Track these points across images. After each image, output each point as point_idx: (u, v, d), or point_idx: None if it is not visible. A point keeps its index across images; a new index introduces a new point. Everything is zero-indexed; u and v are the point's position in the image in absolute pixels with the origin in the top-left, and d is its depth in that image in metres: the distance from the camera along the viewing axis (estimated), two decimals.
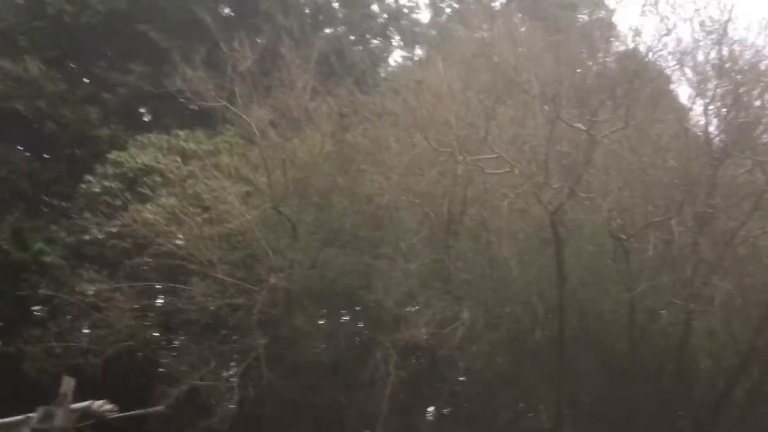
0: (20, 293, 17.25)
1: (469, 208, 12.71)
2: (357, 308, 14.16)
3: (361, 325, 14.42)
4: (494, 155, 11.48)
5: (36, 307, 17.72)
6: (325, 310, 14.23)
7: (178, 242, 13.13)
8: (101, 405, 16.05)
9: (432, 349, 13.18)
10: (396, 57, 23.04)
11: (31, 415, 15.41)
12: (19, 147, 20.56)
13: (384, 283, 12.64)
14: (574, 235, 12.22)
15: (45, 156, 21.62)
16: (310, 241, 13.73)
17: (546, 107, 11.71)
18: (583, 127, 11.35)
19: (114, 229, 15.34)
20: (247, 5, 22.23)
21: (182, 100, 15.32)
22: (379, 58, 22.74)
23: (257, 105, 13.42)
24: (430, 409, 15.59)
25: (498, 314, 12.46)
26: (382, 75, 15.29)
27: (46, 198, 19.92)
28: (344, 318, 14.61)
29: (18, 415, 15.89)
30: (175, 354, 14.81)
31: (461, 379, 14.65)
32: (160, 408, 14.33)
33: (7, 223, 18.39)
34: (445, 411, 15.53)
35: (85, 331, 14.71)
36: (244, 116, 13.26)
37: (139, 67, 20.59)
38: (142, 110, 21.53)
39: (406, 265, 12.24)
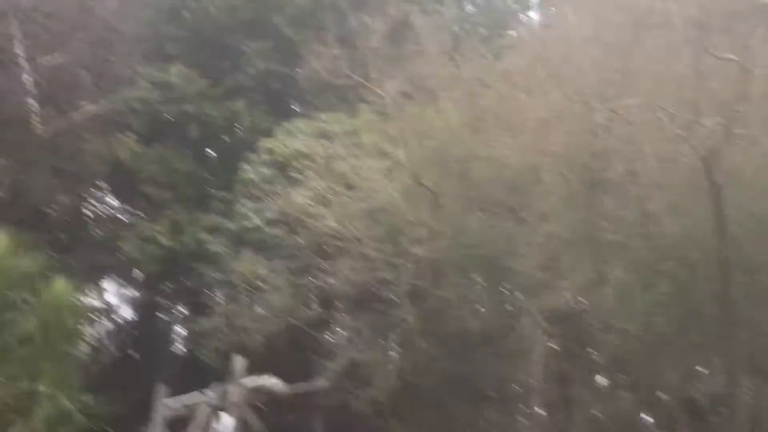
0: (189, 281, 18.59)
1: (612, 161, 11.98)
2: (502, 275, 13.87)
3: (506, 292, 14.12)
4: (636, 99, 10.68)
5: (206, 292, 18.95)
6: (470, 279, 14.04)
7: (327, 222, 13.52)
8: (269, 381, 17.04)
9: (582, 314, 12.68)
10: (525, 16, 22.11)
11: (207, 392, 16.63)
12: (174, 147, 21.80)
13: (527, 248, 12.27)
14: (733, 179, 11.11)
15: (205, 151, 23.02)
16: (452, 210, 13.61)
17: (691, 39, 10.56)
18: (735, 58, 10.25)
19: (269, 215, 16.05)
20: None
21: (319, 81, 15.54)
22: (506, 19, 21.98)
23: (391, 78, 13.40)
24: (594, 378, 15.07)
25: (652, 273, 11.69)
26: (513, 34, 14.75)
27: (209, 190, 21.08)
28: (489, 286, 14.36)
29: (197, 393, 17.21)
30: (331, 329, 15.35)
31: (617, 344, 13.96)
32: (323, 382, 14.93)
33: (168, 218, 19.73)
34: (604, 379, 14.95)
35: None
36: (380, 91, 13.30)
37: (274, 57, 21.28)
38: (283, 98, 22.12)
39: (549, 228, 11.78)
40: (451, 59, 14.11)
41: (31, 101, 17.26)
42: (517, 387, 13.83)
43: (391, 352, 13.49)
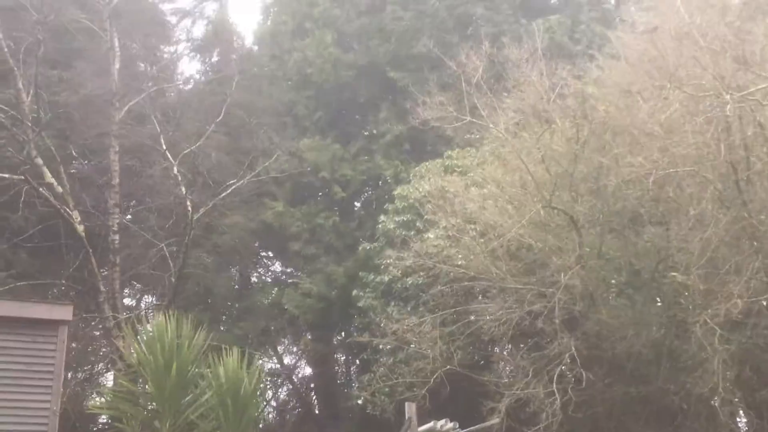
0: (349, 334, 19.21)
1: (755, 150, 11.13)
2: (662, 290, 13.18)
3: (667, 306, 13.35)
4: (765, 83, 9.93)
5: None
6: (628, 299, 13.43)
7: (460, 263, 13.50)
8: (444, 424, 17.01)
9: (760, 316, 11.75)
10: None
11: None
12: (317, 206, 22.80)
13: (683, 259, 11.60)
14: None
15: (347, 207, 23.90)
16: (592, 230, 13.17)
17: None
18: None
19: (407, 263, 16.27)
20: (461, 18, 22.60)
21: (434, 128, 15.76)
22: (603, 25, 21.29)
23: (499, 110, 13.34)
24: None
25: None
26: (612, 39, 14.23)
27: (354, 242, 21.79)
28: (651, 302, 13.66)
29: None
30: (492, 370, 15.19)
31: None
32: (494, 421, 14.72)
33: (320, 271, 20.59)
34: None
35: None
36: (491, 125, 13.25)
37: (389, 109, 21.98)
38: (410, 145, 22.59)
39: (702, 233, 11.09)
40: (556, 79, 13.81)
41: (181, 190, 18.76)
42: (696, 399, 12.92)
43: (557, 384, 13.03)
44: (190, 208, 18.34)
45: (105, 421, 19.59)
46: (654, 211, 12.56)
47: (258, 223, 21.93)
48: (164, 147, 18.68)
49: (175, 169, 18.57)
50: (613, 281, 13.25)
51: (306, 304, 20.31)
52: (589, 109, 12.55)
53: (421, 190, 17.26)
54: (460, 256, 13.50)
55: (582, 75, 13.91)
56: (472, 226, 13.99)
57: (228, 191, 19.47)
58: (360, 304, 18.42)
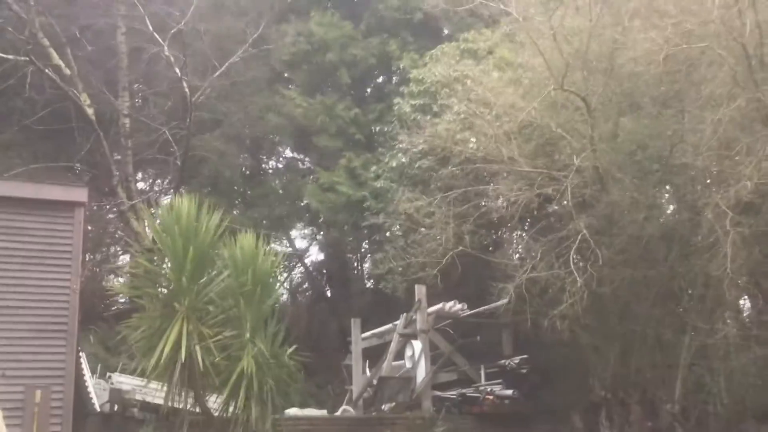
0: (365, 224, 19.41)
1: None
2: (674, 171, 13.12)
3: (679, 188, 13.34)
4: None
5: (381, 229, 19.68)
6: (640, 181, 13.39)
7: (472, 146, 13.41)
8: (453, 305, 17.56)
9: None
10: None
11: (396, 322, 17.46)
12: (333, 94, 22.42)
13: (694, 140, 11.48)
14: None
15: (361, 92, 23.56)
16: (605, 112, 12.98)
17: None
18: None
19: (421, 146, 16.22)
20: None
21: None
22: None
23: None
24: None
25: None
26: None
27: (370, 130, 21.63)
28: (662, 184, 13.64)
29: (387, 324, 18.13)
30: (504, 252, 15.40)
31: None
32: (504, 301, 15.08)
33: (342, 166, 20.53)
34: None
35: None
36: (503, 6, 12.85)
37: None
38: (423, 27, 21.92)
39: (715, 115, 10.92)
40: None
41: (176, 71, 18.37)
42: (705, 282, 13.12)
43: (568, 266, 13.19)
44: (187, 90, 18.10)
45: (123, 300, 20.18)
46: (667, 91, 12.31)
47: (273, 112, 21.68)
48: (150, 27, 18.12)
49: (166, 50, 18.12)
50: (625, 163, 13.15)
51: (328, 198, 20.39)
52: None
53: (437, 73, 16.98)
54: (473, 139, 13.37)
55: None
56: (486, 110, 13.78)
57: (223, 68, 19.03)
58: (377, 185, 18.52)
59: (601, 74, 12.58)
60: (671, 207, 14.52)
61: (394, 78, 22.59)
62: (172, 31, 18.09)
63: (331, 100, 21.66)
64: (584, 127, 12.78)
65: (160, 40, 18.03)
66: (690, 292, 13.97)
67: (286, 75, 23.24)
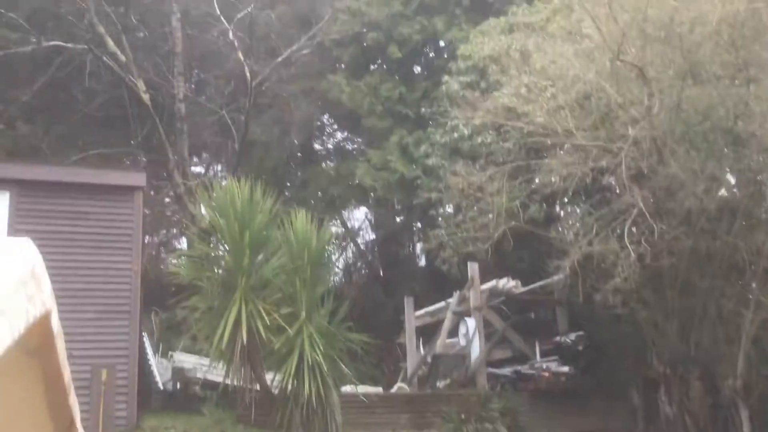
0: (417, 202, 19.37)
1: None
2: (737, 142, 12.74)
3: (740, 159, 12.94)
4: None
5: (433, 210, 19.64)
6: (700, 152, 13.05)
7: (536, 119, 13.21)
8: (506, 282, 17.48)
9: None
10: None
11: (449, 300, 17.47)
12: (382, 73, 22.38)
13: (761, 109, 11.11)
14: None
15: (410, 70, 23.45)
16: (665, 81, 12.64)
17: None
18: None
19: (477, 121, 16.07)
20: None
21: None
22: None
23: None
24: None
25: None
26: None
27: (419, 108, 21.55)
28: (724, 156, 13.26)
29: (440, 302, 18.16)
30: (558, 227, 15.22)
31: None
32: (558, 277, 14.95)
33: (394, 144, 20.52)
34: None
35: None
36: None
37: None
38: (473, 5, 21.66)
39: None
40: None
41: (239, 55, 18.67)
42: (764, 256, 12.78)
43: (625, 240, 12.97)
44: (248, 74, 18.32)
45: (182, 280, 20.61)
46: (730, 59, 11.92)
47: (322, 95, 21.78)
48: (218, 11, 18.45)
49: (230, 34, 18.42)
50: (684, 134, 12.82)
51: (381, 177, 20.42)
52: None
53: (486, 49, 16.76)
54: (538, 113, 13.17)
55: None
56: (544, 82, 13.56)
57: (286, 54, 19.30)
58: (428, 163, 18.48)
59: (659, 43, 12.23)
60: (733, 179, 14.11)
61: (444, 54, 22.39)
62: (239, 16, 18.39)
63: (375, 80, 21.63)
64: (641, 97, 12.48)
65: (226, 23, 18.31)
66: (753, 266, 13.62)
67: (335, 54, 23.24)
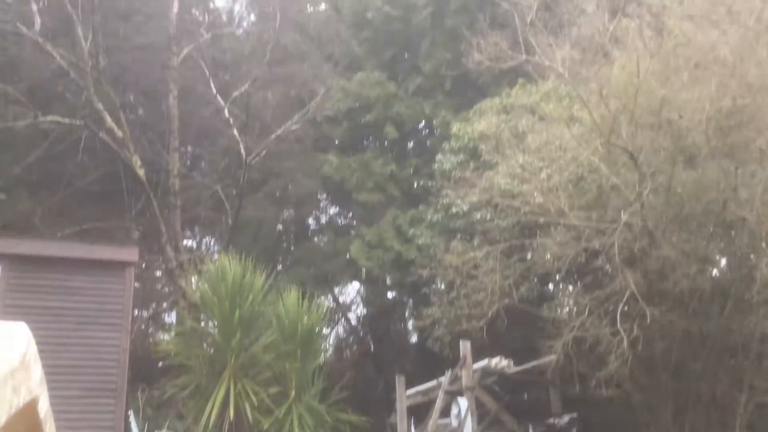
0: (410, 279, 19.35)
1: None
2: (727, 225, 12.88)
3: (732, 242, 13.07)
4: None
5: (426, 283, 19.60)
6: (692, 235, 13.17)
7: (528, 198, 13.36)
8: (498, 362, 17.24)
9: None
10: None
11: (441, 379, 17.21)
12: (374, 150, 22.74)
13: (748, 194, 11.27)
14: None
15: (402, 149, 23.80)
16: (655, 165, 12.86)
17: None
18: None
19: (472, 199, 16.23)
20: None
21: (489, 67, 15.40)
22: None
23: (555, 46, 12.96)
24: None
25: None
26: None
27: (411, 186, 21.78)
28: (716, 239, 13.38)
29: (432, 380, 17.89)
30: (551, 306, 15.19)
31: None
32: (551, 357, 14.82)
33: (388, 222, 20.63)
34: None
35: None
36: (549, 62, 12.92)
37: (446, 49, 21.49)
38: (463, 85, 22.21)
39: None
40: (618, 9, 13.30)
41: (234, 132, 18.98)
42: (761, 338, 12.74)
43: (618, 324, 12.95)
44: (242, 150, 18.55)
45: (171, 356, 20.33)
46: (719, 145, 12.17)
47: (314, 171, 22.04)
48: (215, 90, 18.84)
49: (226, 111, 18.76)
50: (675, 217, 12.96)
51: (375, 255, 20.47)
52: (649, 40, 12.10)
53: (479, 128, 17.09)
54: (534, 193, 13.34)
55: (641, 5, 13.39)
56: (539, 163, 13.79)
57: (280, 131, 19.61)
58: (420, 242, 18.54)
59: (649, 129, 12.51)
60: (724, 261, 14.20)
61: (434, 132, 22.79)
62: (235, 94, 18.76)
63: (368, 156, 21.95)
64: (632, 181, 12.67)
65: (221, 101, 18.68)
66: (745, 349, 13.56)
67: (327, 131, 23.60)
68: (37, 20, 17.41)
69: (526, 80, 17.27)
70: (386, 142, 22.62)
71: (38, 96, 18.04)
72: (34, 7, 17.50)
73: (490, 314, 14.46)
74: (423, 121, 22.74)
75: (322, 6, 26.00)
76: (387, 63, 23.34)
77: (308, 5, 25.21)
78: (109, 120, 17.72)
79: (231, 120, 18.84)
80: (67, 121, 17.43)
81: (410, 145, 24.16)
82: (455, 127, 18.63)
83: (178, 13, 19.59)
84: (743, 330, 12.95)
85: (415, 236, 19.01)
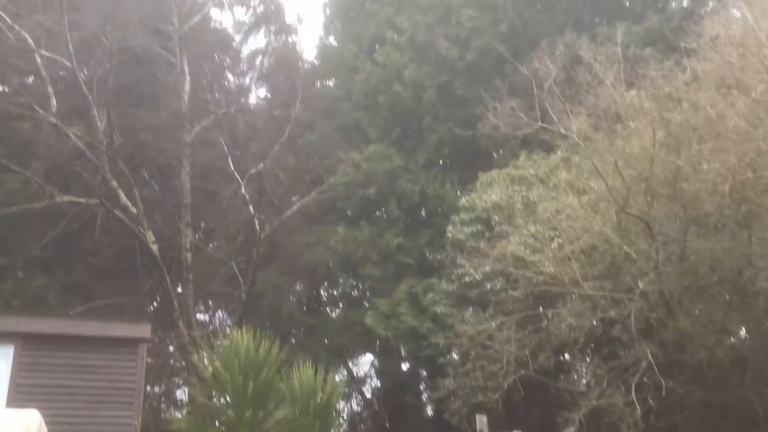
0: (425, 352, 19.19)
1: None
2: (745, 295, 12.75)
3: (750, 313, 12.90)
4: None
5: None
6: (709, 305, 13.04)
7: (542, 268, 13.32)
8: None
9: None
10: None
11: None
12: (383, 223, 22.86)
13: (763, 264, 11.18)
14: None
15: (413, 221, 23.91)
16: (671, 235, 12.84)
17: None
18: None
19: (486, 269, 16.18)
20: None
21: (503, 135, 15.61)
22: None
23: (572, 115, 13.14)
24: None
25: None
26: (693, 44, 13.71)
27: (423, 258, 21.76)
28: (733, 309, 13.22)
29: None
30: (567, 377, 14.95)
31: None
32: (569, 430, 14.48)
33: (403, 293, 20.59)
34: None
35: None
36: (564, 130, 13.07)
37: (455, 120, 21.89)
38: (474, 155, 22.47)
39: None
40: (633, 79, 13.54)
41: (249, 209, 19.17)
42: None
43: (636, 393, 12.71)
44: (257, 227, 18.68)
45: None
46: (734, 215, 12.15)
47: (325, 242, 22.15)
48: (232, 167, 19.12)
49: (243, 189, 18.99)
50: (691, 287, 12.85)
51: (391, 325, 20.41)
52: (665, 111, 12.25)
53: (488, 200, 17.18)
54: (546, 263, 13.31)
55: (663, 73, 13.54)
56: (551, 233, 13.81)
57: (294, 208, 19.78)
58: (436, 310, 18.44)
59: (664, 198, 12.54)
60: (742, 331, 14.02)
61: (443, 203, 22.93)
62: (252, 171, 19.07)
63: (375, 229, 22.10)
64: (648, 251, 12.64)
65: (239, 178, 18.96)
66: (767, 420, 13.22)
67: (338, 205, 23.80)
68: (53, 102, 17.85)
69: (533, 149, 17.43)
70: (395, 215, 22.76)
71: (55, 176, 18.34)
72: (51, 89, 17.96)
73: (506, 386, 14.25)
74: (433, 193, 22.89)
75: (332, 81, 26.61)
76: (396, 138, 23.75)
77: (317, 82, 25.78)
78: (123, 197, 17.94)
79: (247, 197, 19.07)
80: (83, 200, 17.66)
81: (423, 214, 24.26)
82: (463, 200, 18.73)
83: (191, 92, 20.03)
84: (764, 401, 12.66)
85: (431, 305, 18.89)
